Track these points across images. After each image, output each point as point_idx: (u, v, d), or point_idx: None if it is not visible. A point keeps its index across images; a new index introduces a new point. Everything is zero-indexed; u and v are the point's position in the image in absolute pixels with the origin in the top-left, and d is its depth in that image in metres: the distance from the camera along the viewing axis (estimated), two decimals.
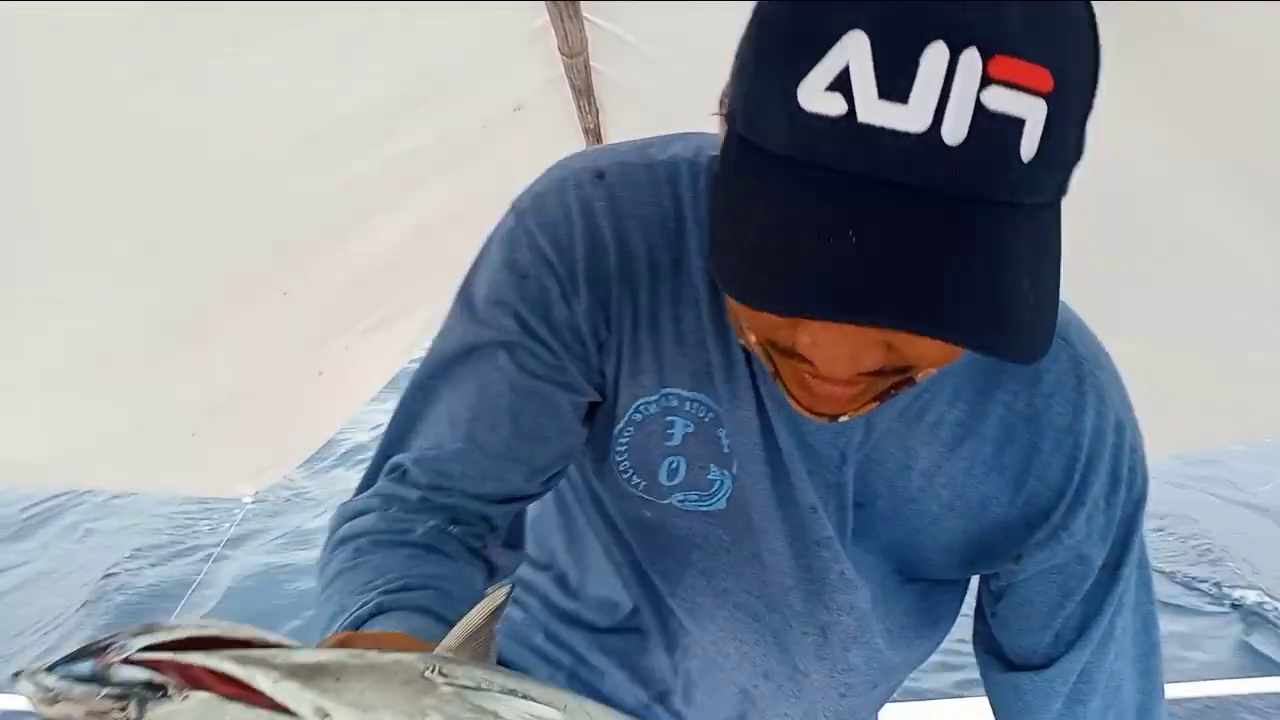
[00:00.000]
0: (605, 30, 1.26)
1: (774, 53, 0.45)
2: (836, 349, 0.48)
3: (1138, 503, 0.72)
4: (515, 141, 1.81)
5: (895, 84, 0.40)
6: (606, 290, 0.66)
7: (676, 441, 0.71)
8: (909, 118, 0.40)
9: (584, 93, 1.60)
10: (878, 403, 0.56)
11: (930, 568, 0.78)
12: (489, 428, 0.68)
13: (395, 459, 0.70)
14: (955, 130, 0.40)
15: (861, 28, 0.41)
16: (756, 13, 0.49)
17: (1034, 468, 0.70)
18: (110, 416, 1.42)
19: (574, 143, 2.09)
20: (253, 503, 2.53)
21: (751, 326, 0.53)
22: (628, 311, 0.67)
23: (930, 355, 0.50)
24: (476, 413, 0.68)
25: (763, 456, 0.70)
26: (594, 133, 1.95)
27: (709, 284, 0.67)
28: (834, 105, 0.41)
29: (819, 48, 0.42)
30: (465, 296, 0.69)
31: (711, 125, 0.56)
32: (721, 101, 0.53)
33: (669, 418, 0.71)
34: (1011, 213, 0.44)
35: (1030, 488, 0.70)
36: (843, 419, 0.57)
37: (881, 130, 0.41)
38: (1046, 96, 0.41)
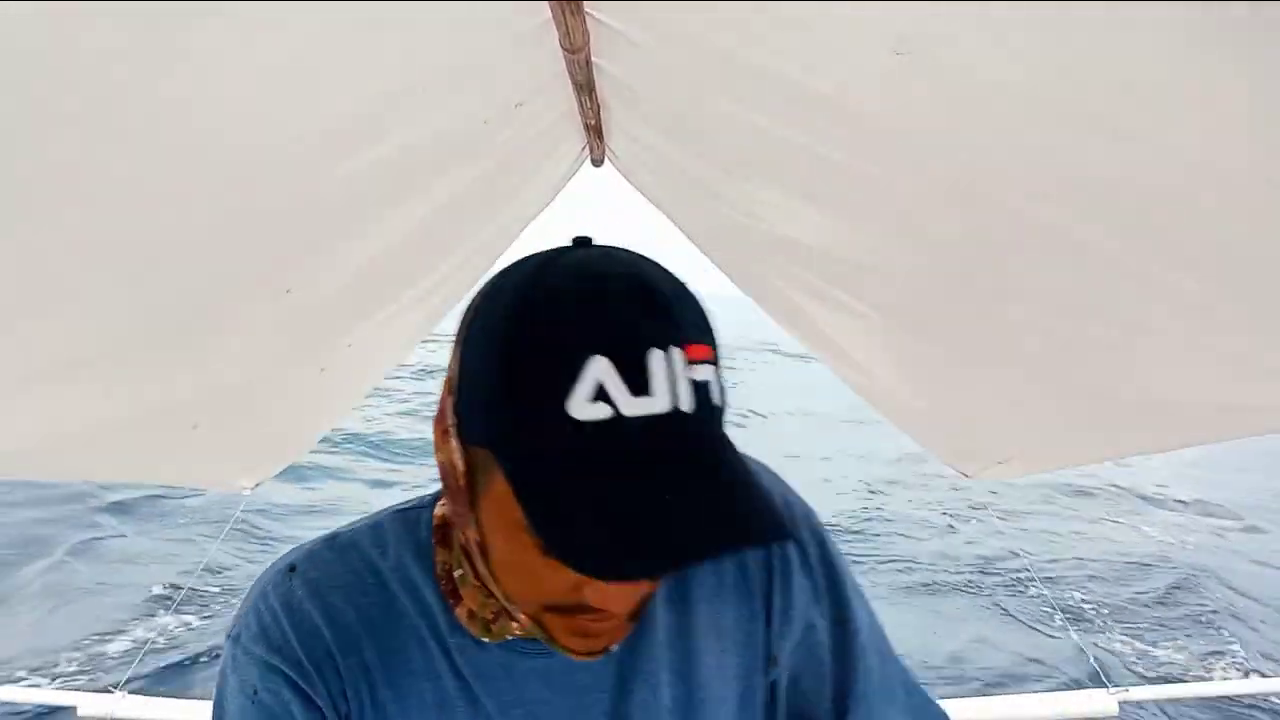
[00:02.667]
0: (607, 25, 1.26)
1: (532, 384, 0.56)
2: (627, 589, 0.61)
3: (828, 562, 0.84)
4: (516, 137, 1.81)
5: (639, 384, 0.54)
6: (333, 664, 0.73)
7: None
8: (655, 403, 0.55)
9: (585, 88, 1.60)
10: (636, 619, 0.67)
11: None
12: None
13: None
14: (686, 401, 0.56)
15: (600, 353, 0.54)
16: (503, 360, 0.58)
17: (750, 573, 0.81)
18: (111, 409, 1.43)
19: (575, 138, 2.09)
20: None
21: (538, 597, 0.64)
22: (361, 675, 0.74)
23: None
24: None
25: None
26: (595, 129, 1.95)
27: (422, 614, 0.75)
28: (600, 411, 0.54)
29: (572, 373, 0.54)
30: None
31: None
32: (447, 431, 0.65)
33: None
34: (725, 441, 0.61)
35: (755, 591, 0.81)
36: (612, 648, 0.68)
37: (642, 418, 0.54)
38: (712, 361, 0.59)
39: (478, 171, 1.78)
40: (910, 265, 1.54)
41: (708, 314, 0.62)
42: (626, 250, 0.63)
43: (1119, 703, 2.36)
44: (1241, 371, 1.15)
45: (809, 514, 0.86)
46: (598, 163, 2.35)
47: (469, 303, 0.65)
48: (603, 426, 0.54)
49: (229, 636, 0.76)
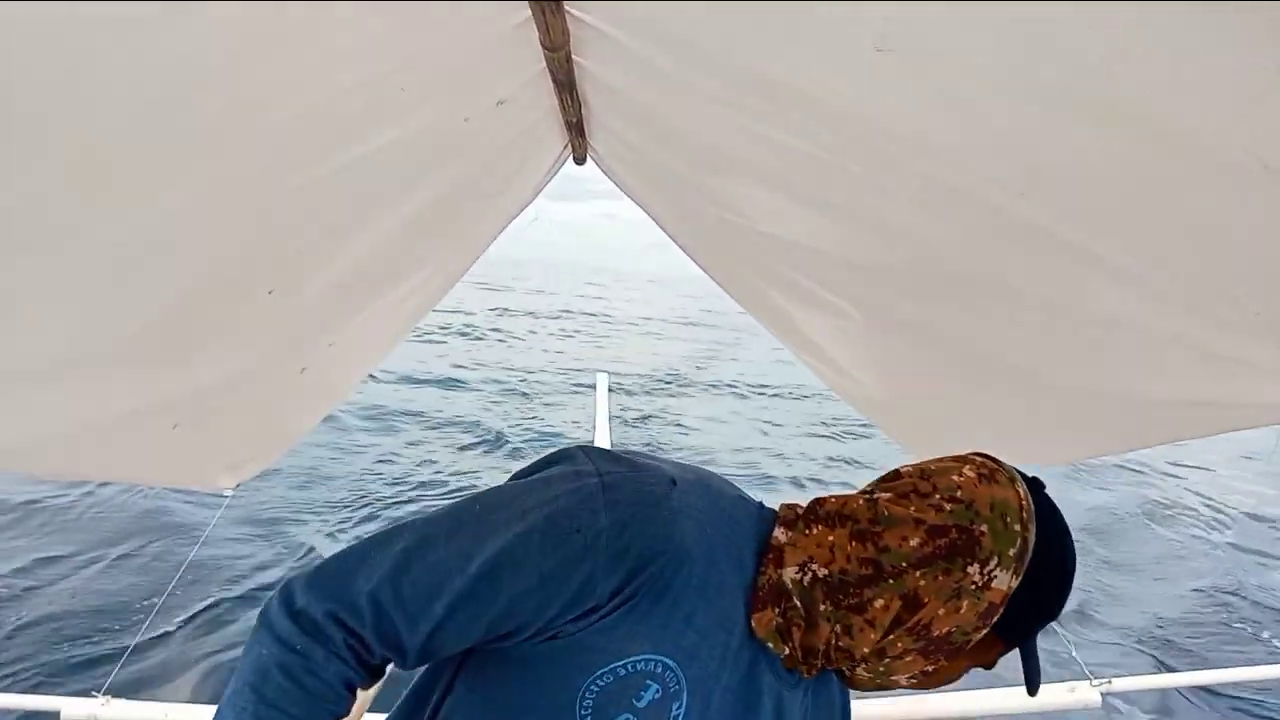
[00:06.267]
0: (587, 24, 1.26)
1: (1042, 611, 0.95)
2: None
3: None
4: (498, 135, 1.81)
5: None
6: (637, 568, 0.82)
7: (642, 704, 0.85)
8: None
9: (566, 86, 1.60)
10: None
11: None
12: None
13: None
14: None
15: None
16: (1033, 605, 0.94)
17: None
18: (92, 408, 1.42)
19: (557, 136, 2.09)
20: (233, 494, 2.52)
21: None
22: (660, 589, 0.83)
23: None
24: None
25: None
26: (576, 126, 1.95)
27: (729, 587, 0.89)
28: None
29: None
30: (517, 507, 0.86)
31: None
32: (988, 617, 0.91)
33: (647, 680, 0.85)
34: None
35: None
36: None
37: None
38: None
39: (460, 170, 1.78)
40: (889, 262, 1.56)
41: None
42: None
43: (1102, 694, 2.38)
44: (1217, 368, 1.17)
45: None
46: (580, 160, 2.35)
47: (1026, 533, 0.91)
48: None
49: (606, 480, 0.86)
